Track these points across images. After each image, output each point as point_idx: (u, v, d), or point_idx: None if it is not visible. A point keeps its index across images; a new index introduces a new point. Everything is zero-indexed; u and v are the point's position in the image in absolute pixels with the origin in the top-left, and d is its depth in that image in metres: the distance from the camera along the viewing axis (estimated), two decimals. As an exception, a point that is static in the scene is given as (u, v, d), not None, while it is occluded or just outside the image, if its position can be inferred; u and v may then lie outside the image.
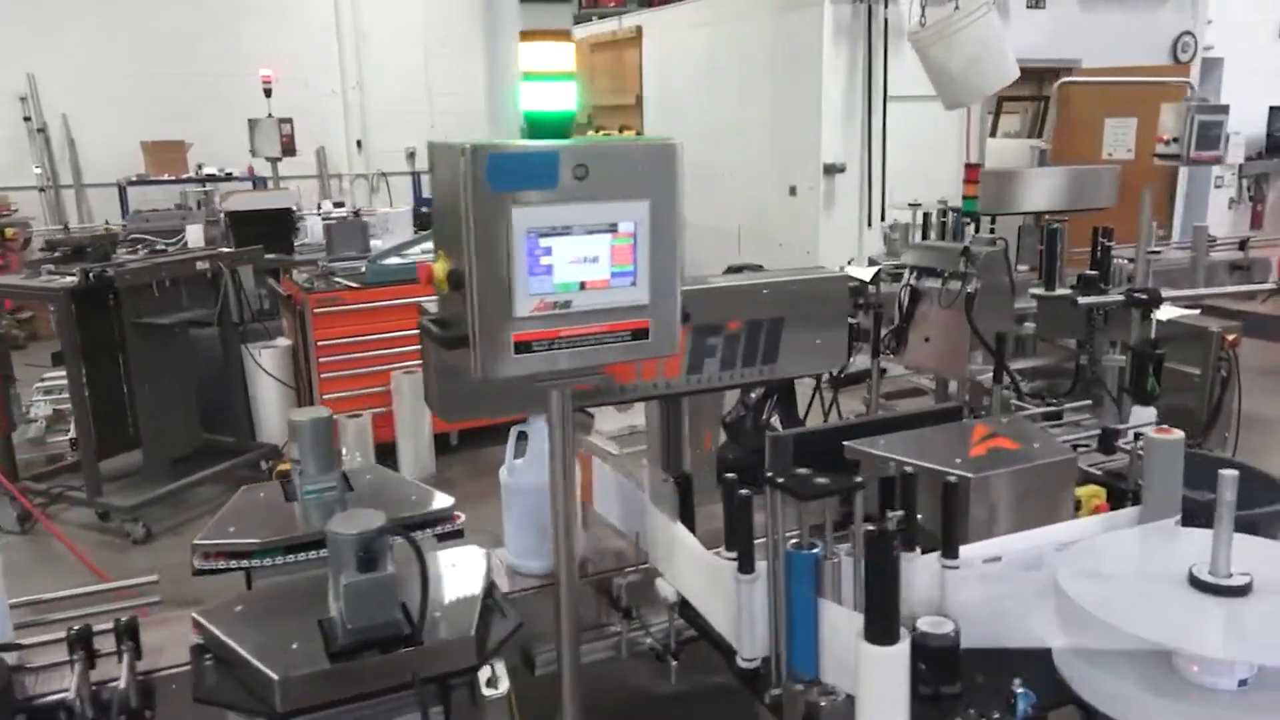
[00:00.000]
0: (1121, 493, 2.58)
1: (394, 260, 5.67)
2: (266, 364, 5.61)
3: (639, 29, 8.78)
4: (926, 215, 5.55)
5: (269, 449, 5.50)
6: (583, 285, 1.51)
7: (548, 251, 1.47)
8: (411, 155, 11.11)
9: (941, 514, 1.66)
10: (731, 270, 2.69)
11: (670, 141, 1.54)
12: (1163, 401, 5.26)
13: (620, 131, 9.20)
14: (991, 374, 4.20)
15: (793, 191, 7.05)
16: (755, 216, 7.59)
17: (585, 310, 1.52)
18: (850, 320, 4.50)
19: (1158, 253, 4.82)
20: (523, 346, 1.49)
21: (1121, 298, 4.11)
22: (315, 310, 5.32)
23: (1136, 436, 2.61)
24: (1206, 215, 9.74)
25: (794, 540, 1.58)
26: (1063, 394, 5.75)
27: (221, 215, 6.35)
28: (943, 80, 5.25)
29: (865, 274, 4.71)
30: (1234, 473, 1.52)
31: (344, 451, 5.46)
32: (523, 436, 2.31)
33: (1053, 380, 6.10)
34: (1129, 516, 1.89)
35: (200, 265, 4.95)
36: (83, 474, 4.81)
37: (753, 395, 5.37)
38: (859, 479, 1.55)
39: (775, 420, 5.38)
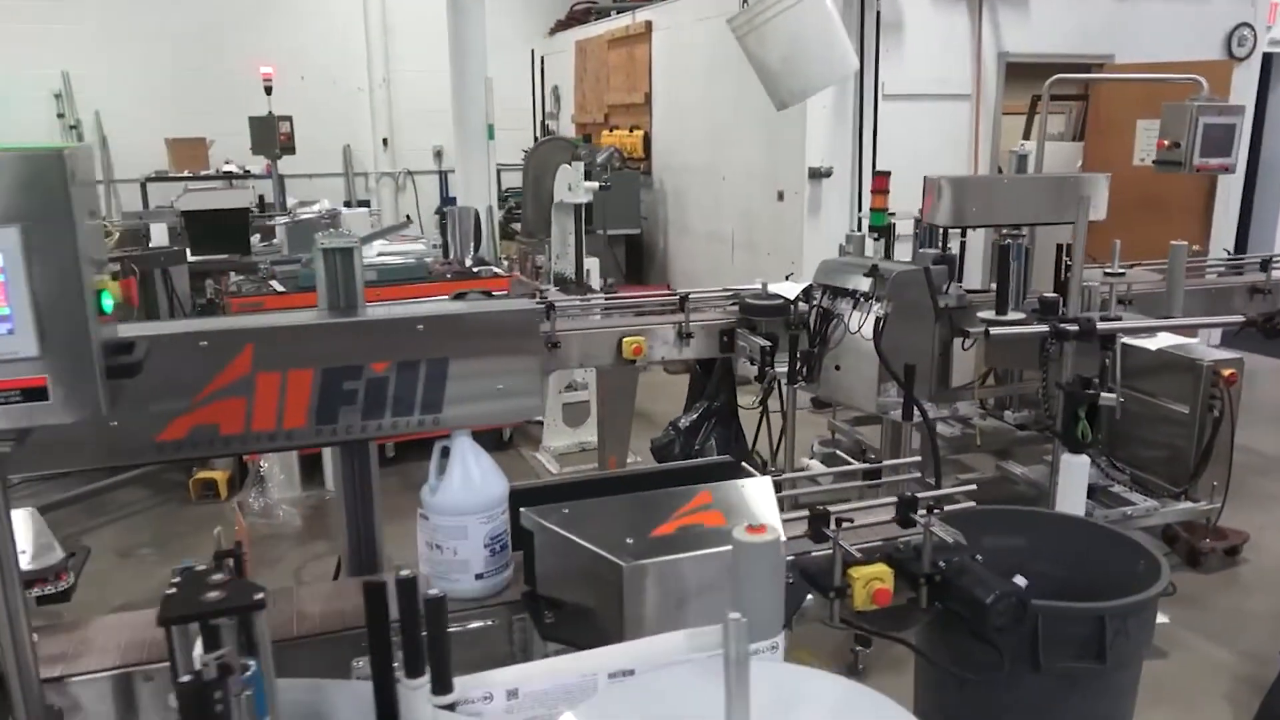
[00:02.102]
0: (914, 575, 2.14)
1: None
2: (199, 368, 5.46)
3: (648, 24, 8.41)
4: (890, 226, 5.05)
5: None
6: (-69, 334, 1.20)
7: None
8: (439, 154, 10.98)
9: (427, 630, 1.28)
10: (457, 298, 2.33)
11: (54, 149, 1.21)
12: (1149, 439, 4.68)
13: (631, 132, 8.85)
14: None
15: (780, 196, 6.59)
16: (747, 222, 7.15)
17: (-61, 364, 1.21)
18: (764, 343, 4.13)
19: (1120, 274, 4.22)
20: None
21: (1045, 328, 3.57)
22: (235, 313, 5.14)
23: (930, 509, 2.15)
24: (1278, 229, 8.84)
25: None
26: (1047, 426, 5.19)
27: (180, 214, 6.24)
28: (764, 75, 4.73)
29: (790, 291, 4.26)
30: (740, 619, 1.10)
31: (263, 464, 5.28)
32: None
33: (1040, 409, 5.51)
34: (716, 634, 1.46)
35: (111, 267, 4.80)
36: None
37: (684, 420, 4.99)
38: (259, 596, 1.18)
39: (712, 446, 4.99)
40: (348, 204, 10.86)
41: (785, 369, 4.22)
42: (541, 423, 5.93)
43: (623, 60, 8.92)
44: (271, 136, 8.16)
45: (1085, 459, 3.49)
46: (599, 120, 9.53)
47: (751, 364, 4.25)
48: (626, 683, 1.29)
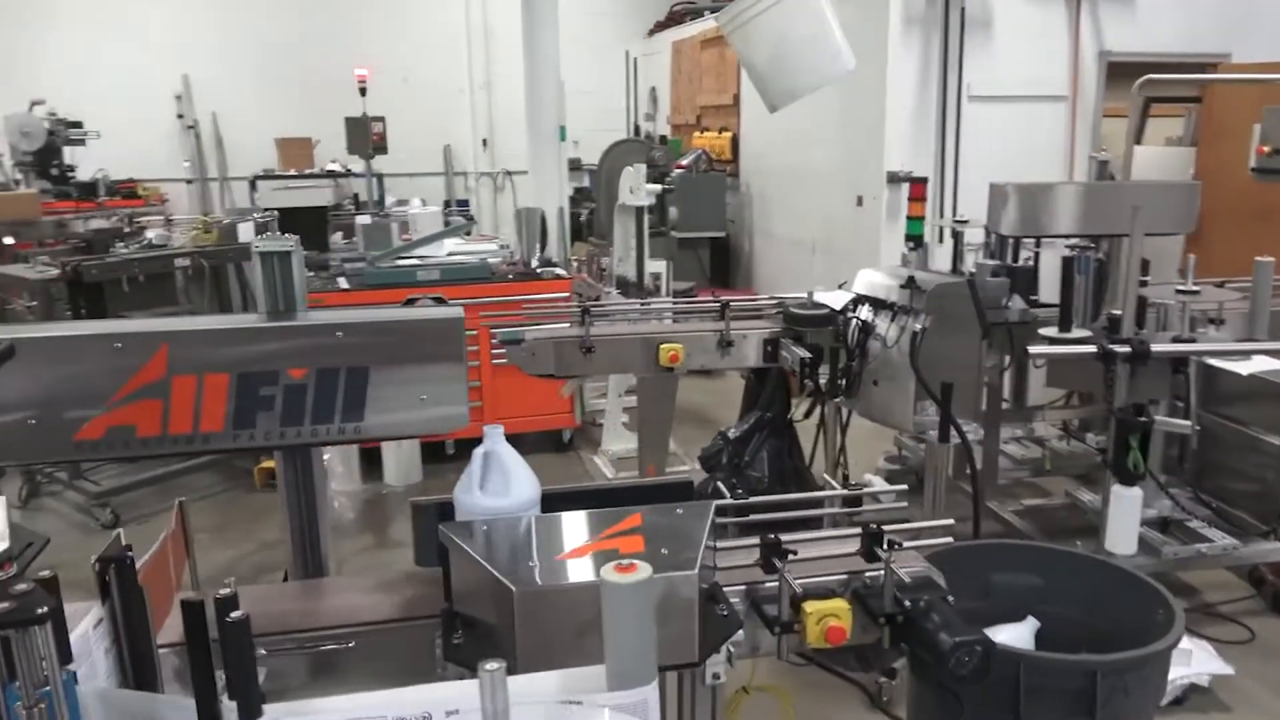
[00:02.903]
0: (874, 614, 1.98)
1: (388, 264, 5.55)
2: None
3: (738, 24, 8.25)
4: (957, 235, 4.80)
5: (261, 444, 5.52)
6: None
7: None
8: (539, 154, 11.07)
9: (231, 651, 1.22)
10: (408, 303, 2.27)
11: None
12: (1238, 471, 4.29)
13: (720, 133, 8.72)
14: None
15: (859, 202, 6.36)
16: (828, 227, 6.93)
17: None
18: (805, 354, 3.96)
19: (1195, 292, 3.87)
20: None
21: (1092, 348, 3.30)
22: (302, 310, 5.27)
23: (891, 545, 1.99)
24: None
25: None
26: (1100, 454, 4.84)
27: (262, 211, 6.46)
28: (753, 76, 4.51)
29: (836, 301, 4.08)
30: (498, 669, 1.00)
31: (325, 456, 5.39)
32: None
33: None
34: (590, 679, 1.35)
35: (181, 262, 5.00)
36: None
37: (734, 430, 4.85)
38: (41, 610, 1.14)
39: (762, 458, 4.84)
40: (447, 203, 11.09)
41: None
42: (600, 423, 5.90)
43: (714, 61, 8.80)
44: (365, 136, 8.38)
45: (1137, 492, 3.21)
46: (691, 122, 9.43)
47: (793, 375, 4.10)
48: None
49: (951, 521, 2.10)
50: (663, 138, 8.40)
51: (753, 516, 2.24)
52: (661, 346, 3.99)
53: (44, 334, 1.73)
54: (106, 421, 1.76)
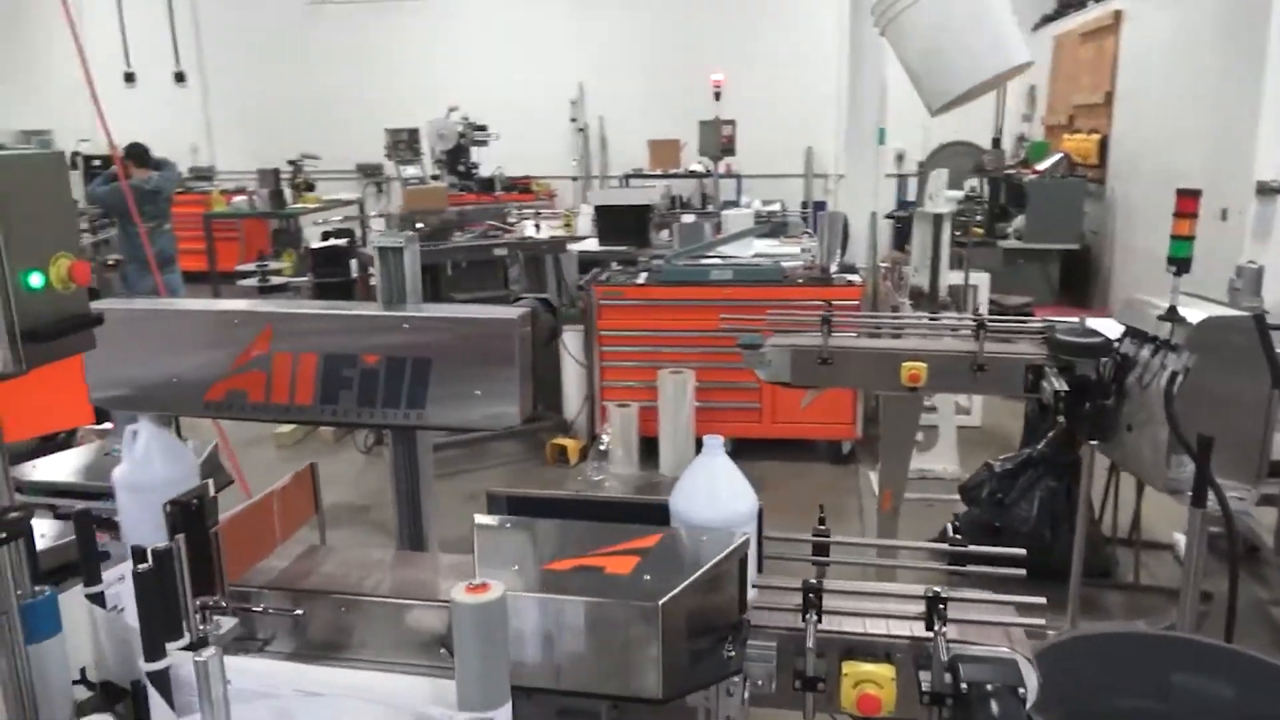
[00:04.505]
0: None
1: (685, 262, 5.72)
2: (575, 344, 5.96)
3: (1117, 14, 7.37)
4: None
5: (557, 420, 5.97)
6: None
7: None
8: (900, 157, 10.72)
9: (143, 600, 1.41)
10: (513, 300, 2.35)
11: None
12: None
13: (1089, 135, 7.86)
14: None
15: (1223, 215, 5.44)
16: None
17: None
18: (1060, 387, 3.51)
19: None
20: None
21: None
22: (600, 301, 5.62)
23: (944, 617, 1.76)
24: None
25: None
26: None
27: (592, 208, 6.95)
28: (911, 75, 3.76)
29: (1111, 329, 3.57)
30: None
31: (606, 438, 5.70)
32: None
33: None
34: (452, 691, 1.37)
35: (499, 251, 5.56)
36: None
37: (1001, 464, 4.44)
38: None
39: (1033, 497, 4.41)
40: (804, 204, 11.13)
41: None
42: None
43: (1091, 55, 7.94)
44: (715, 138, 8.66)
45: None
46: (1063, 123, 8.59)
47: (1048, 409, 3.66)
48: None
49: (1043, 600, 1.79)
50: (995, 141, 7.76)
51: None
52: (903, 364, 3.74)
53: (185, 308, 2.08)
54: (227, 385, 2.07)
